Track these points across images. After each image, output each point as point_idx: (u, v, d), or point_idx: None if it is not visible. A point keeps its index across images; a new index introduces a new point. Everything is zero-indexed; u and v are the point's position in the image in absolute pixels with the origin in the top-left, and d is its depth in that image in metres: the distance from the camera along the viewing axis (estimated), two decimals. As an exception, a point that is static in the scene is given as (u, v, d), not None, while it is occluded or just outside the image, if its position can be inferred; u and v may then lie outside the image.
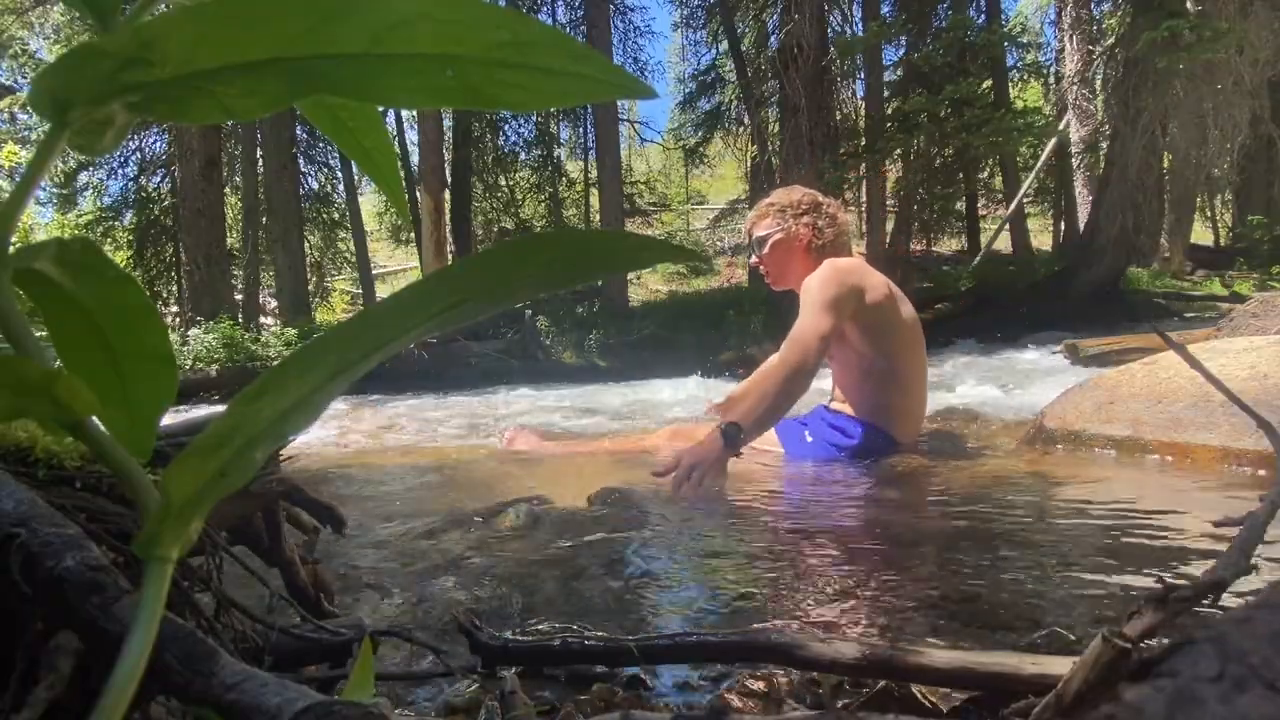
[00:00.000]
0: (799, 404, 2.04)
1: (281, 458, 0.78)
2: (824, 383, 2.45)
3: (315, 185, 14.05)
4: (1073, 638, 0.81)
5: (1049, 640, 0.82)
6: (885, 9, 11.76)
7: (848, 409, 2.23)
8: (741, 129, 13.18)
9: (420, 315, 0.28)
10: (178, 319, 10.73)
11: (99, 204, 13.15)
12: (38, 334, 0.29)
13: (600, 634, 0.88)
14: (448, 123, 12.38)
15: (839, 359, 2.24)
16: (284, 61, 0.26)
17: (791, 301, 2.38)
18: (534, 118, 13.62)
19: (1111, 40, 9.48)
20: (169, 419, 0.40)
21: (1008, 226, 12.94)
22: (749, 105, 11.81)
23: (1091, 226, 9.54)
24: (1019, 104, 12.32)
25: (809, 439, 2.20)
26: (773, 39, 11.37)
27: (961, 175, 12.70)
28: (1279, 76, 8.27)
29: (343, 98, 0.34)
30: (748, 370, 3.69)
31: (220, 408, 0.29)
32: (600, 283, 10.32)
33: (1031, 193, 13.52)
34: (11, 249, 0.28)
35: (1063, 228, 13.99)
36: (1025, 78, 13.97)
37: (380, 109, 0.40)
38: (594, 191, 13.49)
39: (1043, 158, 12.22)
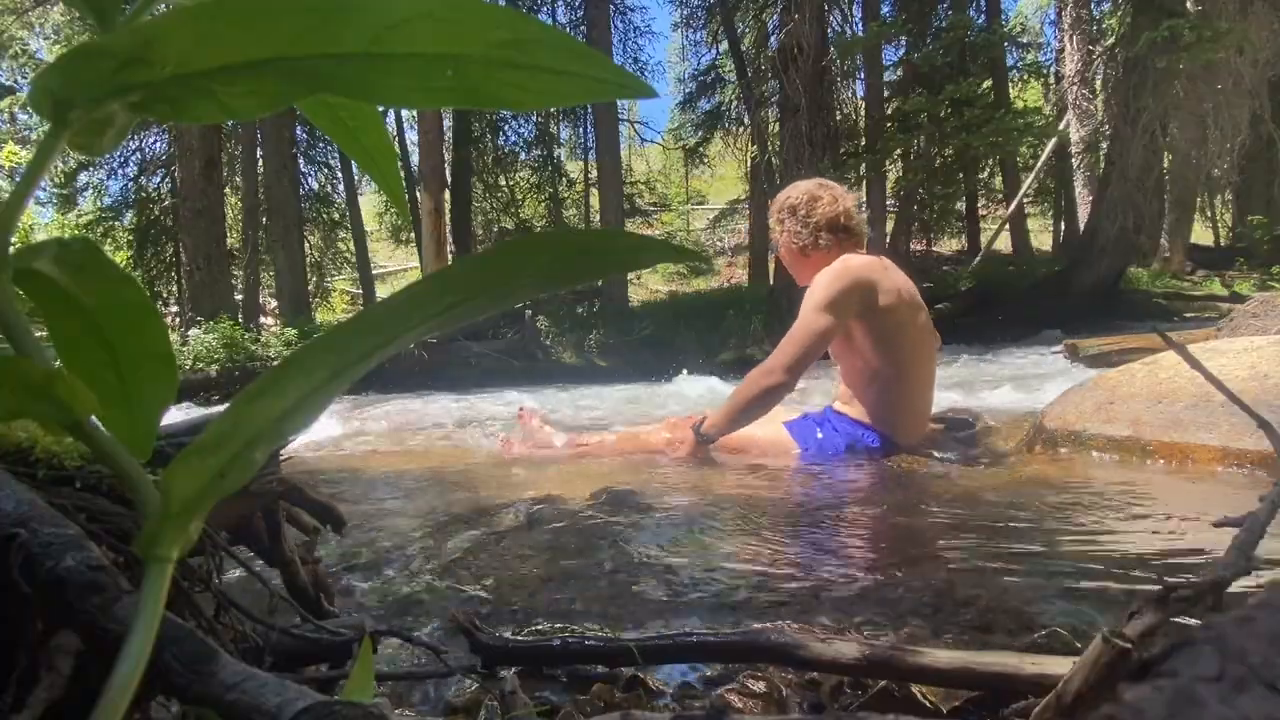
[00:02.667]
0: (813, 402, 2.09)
1: (281, 458, 0.78)
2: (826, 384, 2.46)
3: (315, 185, 14.06)
4: (1073, 638, 0.81)
5: (1049, 640, 0.82)
6: (885, 9, 11.78)
7: (851, 411, 2.21)
8: (741, 129, 13.19)
9: (420, 315, 0.28)
10: (178, 319, 10.73)
11: (99, 204, 13.15)
12: (38, 334, 0.29)
13: (600, 634, 0.88)
14: (448, 123, 12.39)
15: (846, 361, 2.23)
16: (284, 61, 0.26)
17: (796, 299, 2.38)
18: (534, 118, 13.63)
19: (1111, 40, 9.49)
20: (169, 419, 0.40)
21: (1008, 226, 12.94)
22: (749, 105, 11.81)
23: (1091, 226, 9.55)
24: (1019, 104, 12.33)
25: (820, 435, 2.20)
26: (773, 39, 11.36)
27: (961, 175, 12.71)
28: (1279, 76, 8.27)
29: (343, 98, 0.34)
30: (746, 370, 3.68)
31: (220, 408, 0.29)
32: (600, 283, 10.32)
33: (1031, 193, 13.53)
34: (11, 249, 0.28)
35: (1063, 228, 14.00)
36: (1025, 78, 13.98)
37: (380, 109, 0.40)
38: (594, 191, 13.49)
39: (1043, 158, 12.22)
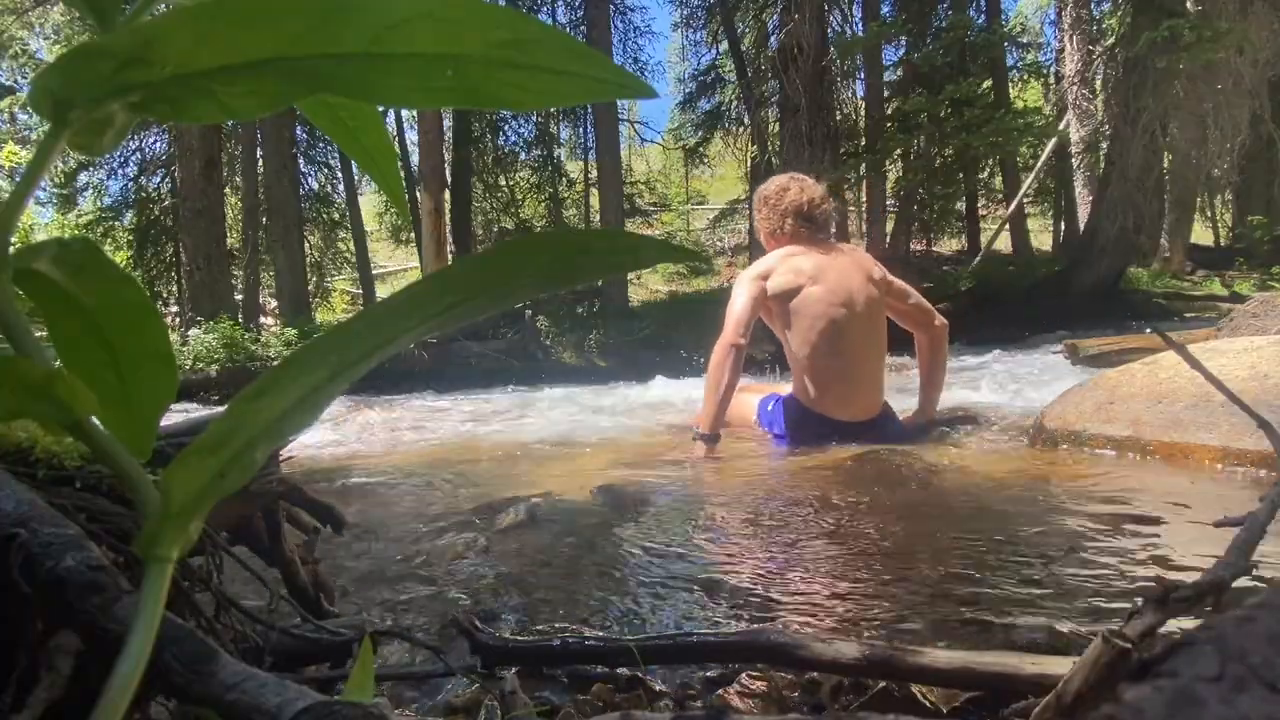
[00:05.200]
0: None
1: (281, 458, 0.78)
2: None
3: (315, 185, 14.02)
4: (1073, 638, 0.81)
5: (1049, 640, 0.82)
6: (885, 9, 11.76)
7: (792, 387, 2.51)
8: (741, 129, 13.17)
9: (420, 315, 0.28)
10: (178, 319, 10.71)
11: (99, 204, 13.12)
12: (38, 334, 0.29)
13: (600, 634, 0.88)
14: (448, 123, 12.37)
15: (782, 339, 2.50)
16: (284, 61, 0.26)
17: None
18: (534, 118, 13.60)
19: (1111, 40, 9.48)
20: (169, 419, 0.40)
21: (1008, 226, 12.93)
22: (749, 105, 11.80)
23: (1091, 226, 9.54)
24: (1019, 104, 12.31)
25: (770, 409, 2.51)
26: (773, 39, 11.36)
27: (961, 175, 12.69)
28: (1279, 76, 8.27)
29: (343, 98, 0.34)
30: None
31: (220, 409, 0.29)
32: (600, 283, 10.31)
33: (1031, 193, 13.50)
34: (11, 249, 0.27)
35: (1063, 228, 13.99)
36: (1025, 78, 13.95)
37: (380, 109, 0.40)
38: (594, 191, 13.47)
39: (1043, 158, 12.21)
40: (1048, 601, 0.96)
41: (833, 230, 2.56)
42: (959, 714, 0.67)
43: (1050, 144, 11.53)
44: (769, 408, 2.51)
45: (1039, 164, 12.44)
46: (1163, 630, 0.45)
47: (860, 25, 11.50)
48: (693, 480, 2.02)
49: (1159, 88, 8.03)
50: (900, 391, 2.91)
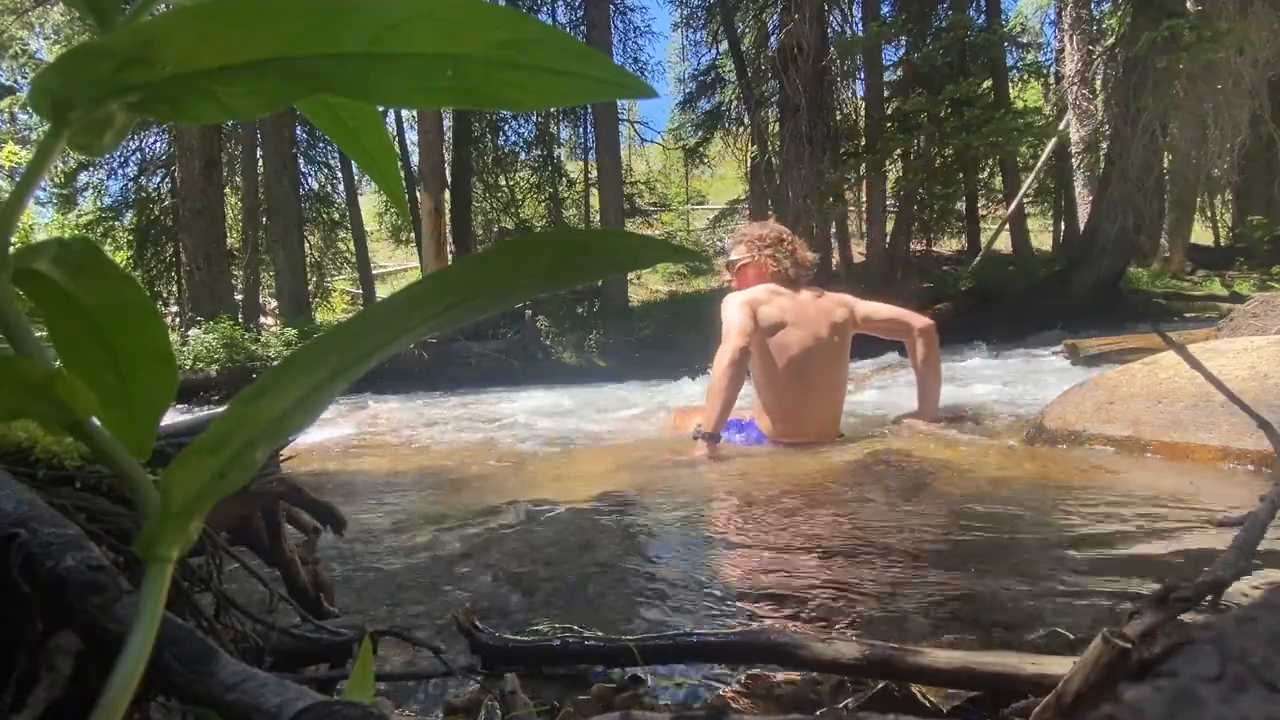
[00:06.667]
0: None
1: (281, 458, 0.78)
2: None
3: (315, 185, 14.02)
4: (1073, 638, 0.81)
5: (1049, 640, 0.82)
6: (885, 9, 11.75)
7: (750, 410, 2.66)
8: (741, 129, 13.16)
9: (420, 315, 0.28)
10: (178, 319, 10.71)
11: (99, 204, 13.12)
12: (38, 334, 0.29)
13: (600, 634, 0.88)
14: (448, 123, 12.37)
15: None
16: (284, 61, 0.26)
17: None
18: (534, 118, 13.60)
19: (1111, 40, 9.48)
20: (169, 419, 0.40)
21: (1008, 226, 12.93)
22: (749, 105, 11.80)
23: (1091, 226, 9.54)
24: (1019, 104, 12.30)
25: (729, 434, 2.62)
26: (773, 39, 11.36)
27: (961, 175, 12.68)
28: (1279, 76, 8.27)
29: (343, 98, 0.34)
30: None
31: (220, 409, 0.29)
32: (600, 283, 10.31)
33: (1031, 193, 13.50)
34: (11, 249, 0.27)
35: (1063, 228, 13.98)
36: (1025, 78, 13.95)
37: (380, 109, 0.40)
38: (594, 191, 13.47)
39: (1043, 158, 12.20)
40: (1047, 601, 0.96)
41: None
42: (959, 714, 0.67)
43: (1050, 144, 11.53)
44: (734, 436, 2.63)
45: (1039, 164, 12.44)
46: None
47: (860, 25, 11.49)
48: (692, 480, 2.02)
49: (1159, 88, 8.03)
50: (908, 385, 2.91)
